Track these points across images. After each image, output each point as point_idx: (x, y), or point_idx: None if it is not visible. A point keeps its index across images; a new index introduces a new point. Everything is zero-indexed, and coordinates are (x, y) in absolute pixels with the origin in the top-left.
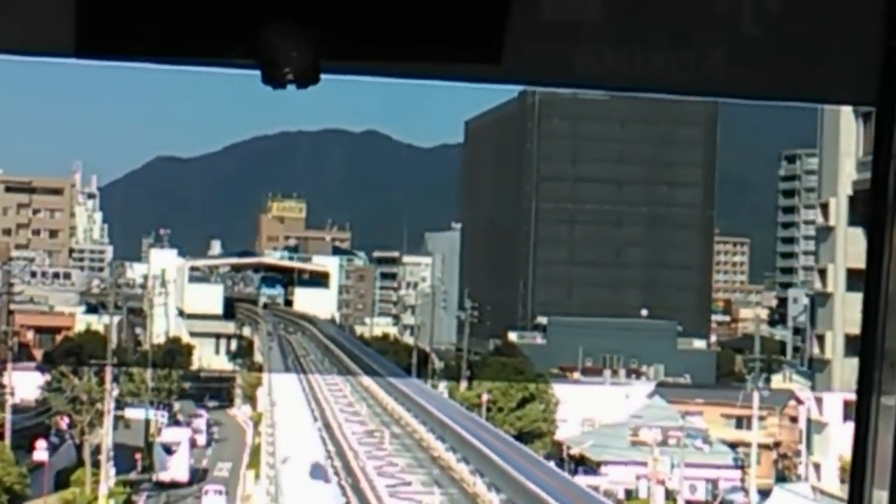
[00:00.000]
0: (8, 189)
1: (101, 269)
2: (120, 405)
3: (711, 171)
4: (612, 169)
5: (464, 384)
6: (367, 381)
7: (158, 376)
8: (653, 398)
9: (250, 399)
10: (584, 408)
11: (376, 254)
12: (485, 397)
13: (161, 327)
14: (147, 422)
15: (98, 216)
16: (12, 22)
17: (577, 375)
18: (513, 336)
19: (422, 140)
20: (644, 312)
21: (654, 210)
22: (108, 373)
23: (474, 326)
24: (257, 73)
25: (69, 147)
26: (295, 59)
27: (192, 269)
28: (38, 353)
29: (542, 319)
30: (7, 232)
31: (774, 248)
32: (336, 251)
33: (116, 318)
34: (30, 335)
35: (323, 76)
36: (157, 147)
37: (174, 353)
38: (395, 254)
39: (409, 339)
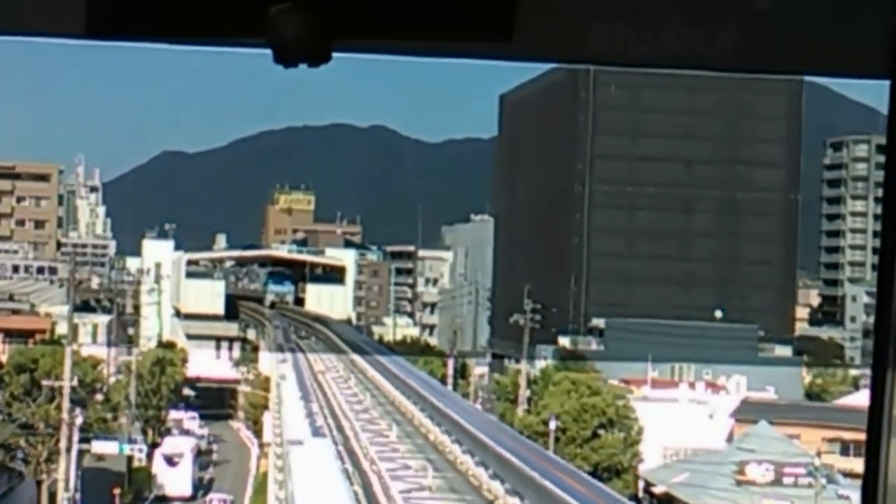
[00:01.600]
0: None
1: (102, 265)
2: (88, 436)
3: (796, 148)
4: (680, 145)
5: (521, 406)
6: (413, 413)
7: (145, 391)
8: (758, 423)
9: (254, 423)
10: (662, 431)
11: (390, 248)
12: (552, 424)
13: (153, 330)
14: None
15: (101, 210)
16: (22, 1)
17: (645, 390)
18: (564, 341)
19: (429, 135)
20: (718, 314)
21: (728, 194)
22: (66, 396)
23: (514, 330)
24: (268, 52)
25: (73, 141)
26: (306, 39)
27: (190, 262)
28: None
29: (599, 322)
30: None
31: (818, 243)
32: (348, 245)
33: (106, 319)
34: None
35: (334, 55)
36: (163, 142)
37: (164, 364)
38: (410, 248)
39: (431, 341)
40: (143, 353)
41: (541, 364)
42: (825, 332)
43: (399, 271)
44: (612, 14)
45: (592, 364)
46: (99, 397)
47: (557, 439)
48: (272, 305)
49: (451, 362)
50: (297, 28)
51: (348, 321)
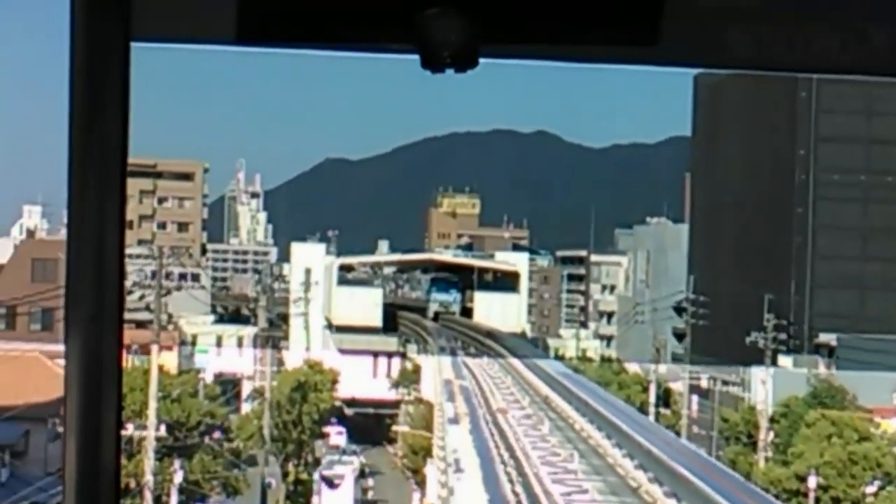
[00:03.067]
0: (128, 173)
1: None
2: (190, 499)
3: None
4: None
5: (759, 454)
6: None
7: (283, 422)
8: None
9: (415, 473)
10: None
11: (560, 253)
12: (812, 482)
13: (297, 345)
14: (264, 490)
15: (262, 217)
16: (173, 9)
17: (895, 422)
18: (784, 361)
19: (592, 141)
20: None
21: None
22: (150, 447)
23: (717, 345)
24: (416, 57)
25: (236, 147)
26: (453, 43)
27: (343, 268)
28: None
29: (828, 337)
30: (128, 224)
31: None
32: (517, 249)
33: (254, 330)
34: None
35: (481, 60)
36: (326, 149)
37: (307, 389)
38: (582, 253)
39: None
40: (280, 376)
41: (758, 391)
42: None
43: (571, 277)
44: (759, 19)
45: (853, 398)
46: (218, 437)
47: (818, 500)
48: (436, 317)
49: (652, 388)
50: (443, 32)
51: (522, 335)
